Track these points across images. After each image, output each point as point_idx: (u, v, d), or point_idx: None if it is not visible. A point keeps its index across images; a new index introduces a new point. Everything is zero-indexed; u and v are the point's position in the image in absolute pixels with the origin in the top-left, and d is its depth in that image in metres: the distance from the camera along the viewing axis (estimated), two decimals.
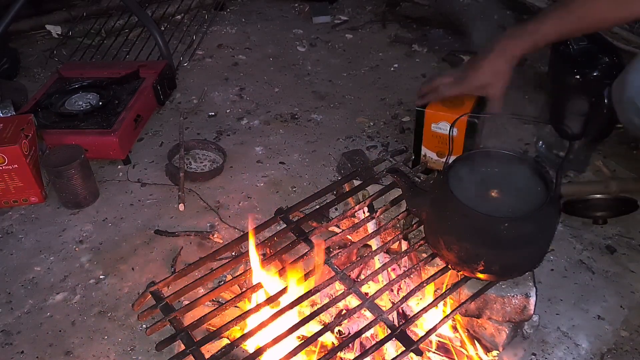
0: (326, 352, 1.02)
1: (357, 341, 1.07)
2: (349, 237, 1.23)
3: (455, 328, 1.15)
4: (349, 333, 1.09)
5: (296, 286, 1.02)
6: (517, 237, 0.92)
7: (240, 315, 0.98)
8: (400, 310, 1.13)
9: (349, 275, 1.05)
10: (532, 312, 1.06)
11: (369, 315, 1.02)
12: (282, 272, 1.05)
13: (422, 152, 1.50)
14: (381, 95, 2.08)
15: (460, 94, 1.39)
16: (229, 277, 1.27)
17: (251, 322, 1.08)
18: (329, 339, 1.10)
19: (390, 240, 1.11)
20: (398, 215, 1.14)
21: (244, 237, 1.15)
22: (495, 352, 1.11)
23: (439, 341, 1.13)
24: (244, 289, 1.09)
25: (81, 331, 1.26)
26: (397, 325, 0.95)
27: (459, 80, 1.36)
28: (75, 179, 1.55)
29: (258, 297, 1.07)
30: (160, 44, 2.12)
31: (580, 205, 1.44)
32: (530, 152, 1.70)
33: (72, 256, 1.45)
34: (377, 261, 1.15)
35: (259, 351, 0.92)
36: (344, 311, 1.10)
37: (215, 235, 1.47)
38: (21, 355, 1.22)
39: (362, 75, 2.22)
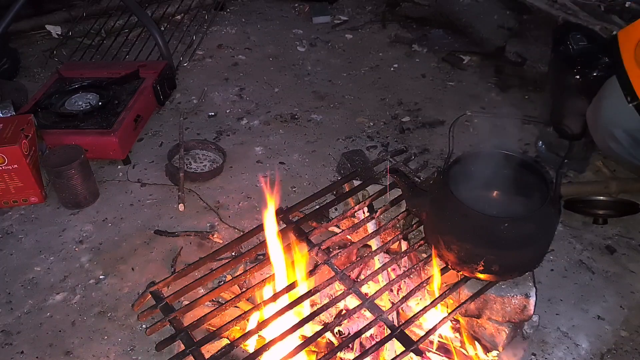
0: (326, 351, 1.02)
1: (357, 341, 1.07)
2: (349, 237, 1.23)
3: (455, 328, 1.15)
4: (349, 333, 1.09)
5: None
6: (517, 237, 0.92)
7: (240, 315, 0.98)
8: (400, 311, 1.13)
9: (349, 275, 1.05)
10: (532, 312, 1.06)
11: (368, 316, 1.02)
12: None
13: None
14: (381, 95, 2.08)
15: None
16: (229, 277, 1.26)
17: (251, 321, 1.08)
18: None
19: (390, 240, 1.11)
20: (398, 216, 1.14)
21: (244, 237, 1.15)
22: (495, 352, 1.11)
23: (439, 341, 1.13)
24: (244, 289, 1.09)
25: (81, 331, 1.26)
26: (397, 325, 0.95)
27: None
28: (75, 179, 1.55)
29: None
30: (160, 44, 2.12)
31: (581, 205, 1.44)
32: (530, 152, 1.70)
33: (72, 256, 1.45)
34: (377, 261, 1.15)
35: (259, 351, 0.92)
36: (344, 311, 1.10)
37: (215, 236, 1.47)
38: (21, 355, 1.22)
39: (362, 76, 2.22)
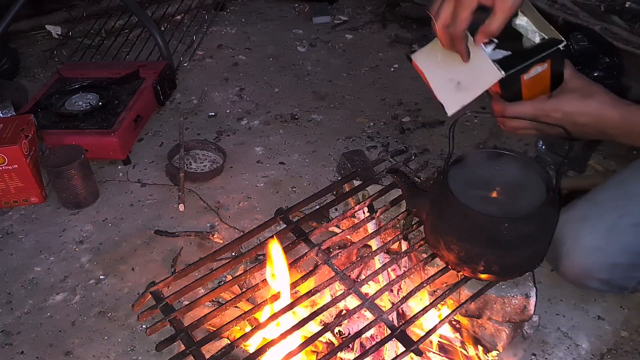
0: (326, 352, 1.02)
1: (357, 341, 1.07)
2: (349, 237, 1.23)
3: (455, 328, 1.15)
4: (349, 333, 1.09)
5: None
6: (517, 237, 0.91)
7: (240, 315, 0.98)
8: (400, 311, 1.13)
9: (349, 276, 1.05)
10: (532, 312, 1.06)
11: (369, 316, 1.02)
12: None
13: None
14: (381, 95, 2.08)
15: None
16: (229, 278, 1.27)
17: (251, 322, 1.08)
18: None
19: (390, 240, 1.11)
20: (398, 216, 1.14)
21: (244, 238, 1.15)
22: (495, 352, 1.11)
23: (439, 341, 1.13)
24: (244, 289, 1.09)
25: (81, 331, 1.26)
26: (397, 326, 0.95)
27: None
28: (75, 179, 1.55)
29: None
30: (160, 44, 2.12)
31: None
32: (530, 152, 1.70)
33: (72, 256, 1.45)
34: (377, 261, 1.15)
35: (259, 351, 0.92)
36: (344, 311, 1.10)
37: (215, 236, 1.47)
38: (21, 355, 1.22)
39: (362, 76, 2.22)
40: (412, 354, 0.91)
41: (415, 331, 1.11)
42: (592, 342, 1.18)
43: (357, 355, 0.95)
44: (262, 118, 1.98)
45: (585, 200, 1.14)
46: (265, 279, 1.04)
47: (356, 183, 1.26)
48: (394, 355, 0.93)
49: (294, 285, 1.03)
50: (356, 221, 1.19)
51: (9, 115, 1.76)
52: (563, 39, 0.92)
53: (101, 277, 1.39)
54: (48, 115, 1.78)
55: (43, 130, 1.67)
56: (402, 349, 0.92)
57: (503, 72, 0.89)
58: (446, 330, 1.14)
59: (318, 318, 1.01)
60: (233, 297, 1.03)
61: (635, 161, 1.22)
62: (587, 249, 1.11)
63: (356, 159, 1.64)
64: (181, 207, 1.57)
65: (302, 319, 0.96)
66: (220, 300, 1.23)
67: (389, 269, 1.15)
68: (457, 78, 0.96)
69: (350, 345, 1.07)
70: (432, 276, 1.02)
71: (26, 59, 2.36)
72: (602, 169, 1.61)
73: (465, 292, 1.04)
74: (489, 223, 0.92)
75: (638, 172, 1.17)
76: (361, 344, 1.08)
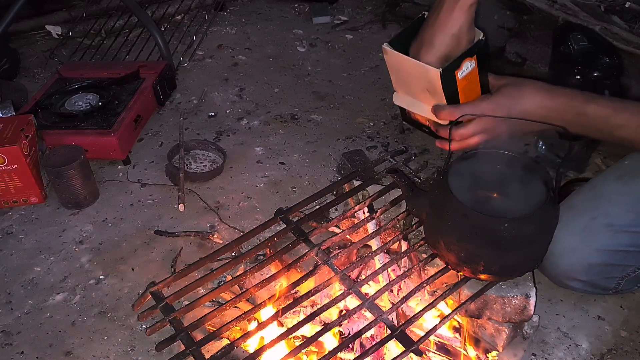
0: (326, 352, 1.02)
1: (357, 341, 1.07)
2: (349, 237, 1.23)
3: (455, 329, 1.15)
4: (349, 333, 1.09)
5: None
6: (517, 237, 0.91)
7: (240, 315, 0.98)
8: (400, 311, 1.13)
9: (349, 276, 1.05)
10: (532, 312, 1.06)
11: (369, 316, 1.02)
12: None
13: None
14: (381, 95, 2.08)
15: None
16: (229, 278, 1.27)
17: (251, 322, 1.08)
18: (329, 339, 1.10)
19: (390, 240, 1.11)
20: (398, 216, 1.14)
21: (244, 238, 1.15)
22: (495, 353, 1.11)
23: (439, 341, 1.13)
24: (244, 289, 1.09)
25: (81, 331, 1.26)
26: (397, 326, 0.95)
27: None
28: (75, 179, 1.55)
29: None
30: (160, 45, 2.12)
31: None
32: (530, 152, 1.70)
33: (72, 256, 1.45)
34: (377, 261, 1.15)
35: (259, 351, 0.92)
36: (344, 311, 1.10)
37: (215, 236, 1.47)
38: (21, 355, 1.22)
39: (362, 76, 2.22)
40: (412, 354, 0.91)
41: (415, 331, 1.11)
42: (592, 342, 1.18)
43: (357, 355, 0.95)
44: (262, 118, 1.98)
45: (560, 205, 1.16)
46: (264, 280, 1.04)
47: (356, 183, 1.26)
48: (394, 355, 0.93)
49: (294, 285, 1.03)
50: (356, 221, 1.19)
51: (9, 115, 1.76)
52: (481, 32, 0.97)
53: (101, 277, 1.39)
54: (48, 115, 1.78)
55: (43, 130, 1.67)
56: (402, 349, 0.92)
57: (440, 69, 0.93)
58: (446, 330, 1.13)
59: (318, 318, 1.01)
60: (233, 297, 1.03)
61: (609, 167, 1.24)
62: (564, 250, 1.12)
63: (356, 159, 1.64)
64: (181, 207, 1.57)
65: (302, 319, 0.96)
66: (220, 300, 1.23)
67: (389, 269, 1.15)
68: (425, 88, 1.00)
69: (350, 345, 1.07)
70: (432, 276, 1.02)
71: (26, 59, 2.36)
72: (603, 166, 1.61)
73: (465, 292, 1.04)
74: (489, 223, 0.92)
75: (609, 176, 1.20)
76: (361, 344, 1.08)
